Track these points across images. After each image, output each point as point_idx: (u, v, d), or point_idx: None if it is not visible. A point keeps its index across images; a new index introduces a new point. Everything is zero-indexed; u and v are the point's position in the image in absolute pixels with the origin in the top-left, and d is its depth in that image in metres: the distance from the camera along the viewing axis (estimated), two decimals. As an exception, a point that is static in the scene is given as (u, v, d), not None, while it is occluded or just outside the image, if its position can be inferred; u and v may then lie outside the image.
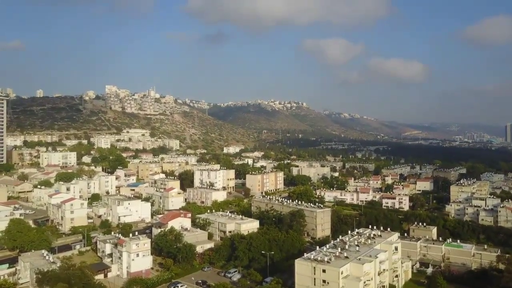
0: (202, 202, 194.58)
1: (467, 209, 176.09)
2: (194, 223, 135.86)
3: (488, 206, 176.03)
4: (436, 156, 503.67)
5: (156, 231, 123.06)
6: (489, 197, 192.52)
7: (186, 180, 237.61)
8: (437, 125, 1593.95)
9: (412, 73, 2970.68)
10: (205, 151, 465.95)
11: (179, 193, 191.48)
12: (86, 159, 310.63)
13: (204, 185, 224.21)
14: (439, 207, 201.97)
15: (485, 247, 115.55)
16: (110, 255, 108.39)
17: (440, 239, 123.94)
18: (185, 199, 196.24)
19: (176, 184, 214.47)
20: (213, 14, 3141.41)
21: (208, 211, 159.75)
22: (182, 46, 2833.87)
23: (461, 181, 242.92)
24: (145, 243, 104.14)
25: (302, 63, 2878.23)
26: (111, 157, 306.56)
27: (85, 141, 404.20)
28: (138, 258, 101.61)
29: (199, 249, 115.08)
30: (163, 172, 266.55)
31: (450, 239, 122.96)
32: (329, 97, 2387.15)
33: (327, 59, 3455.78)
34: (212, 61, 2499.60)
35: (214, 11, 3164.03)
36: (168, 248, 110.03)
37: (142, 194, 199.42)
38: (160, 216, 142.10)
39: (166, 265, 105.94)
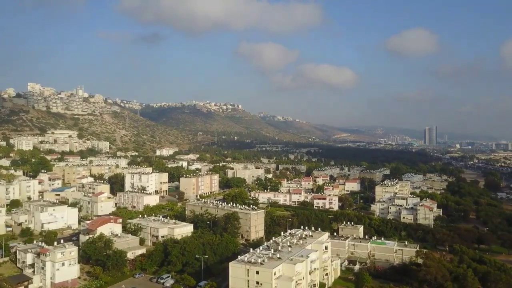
0: (134, 207, 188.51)
1: (390, 208, 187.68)
2: (125, 229, 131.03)
3: (408, 205, 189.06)
4: (363, 158, 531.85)
5: (83, 238, 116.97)
6: (410, 197, 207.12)
7: (116, 184, 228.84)
8: (364, 128, 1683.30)
9: (342, 79, 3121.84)
10: (137, 153, 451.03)
11: (108, 198, 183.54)
12: (5, 162, 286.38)
13: (135, 189, 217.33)
14: (366, 206, 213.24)
15: (406, 243, 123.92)
16: (32, 265, 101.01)
17: (366, 237, 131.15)
18: (116, 204, 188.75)
19: (105, 188, 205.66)
20: (148, 14, 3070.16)
21: (140, 216, 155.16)
22: (115, 45, 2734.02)
23: (385, 182, 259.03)
24: (71, 251, 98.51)
25: (239, 66, 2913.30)
26: (33, 160, 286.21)
27: (3, 143, 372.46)
28: (64, 267, 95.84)
29: (130, 255, 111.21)
30: (91, 175, 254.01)
31: (375, 237, 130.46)
32: (264, 100, 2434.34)
33: (263, 64, 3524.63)
34: (146, 61, 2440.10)
35: (149, 12, 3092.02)
36: (97, 256, 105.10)
37: (68, 199, 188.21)
38: (88, 222, 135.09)
39: (94, 273, 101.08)
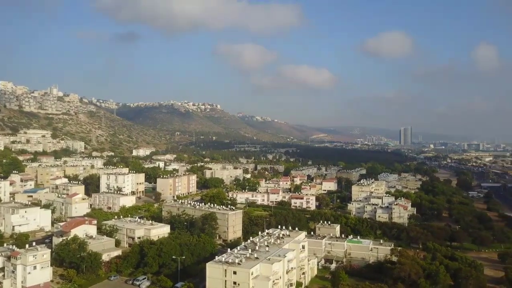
0: (109, 208, 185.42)
1: (366, 207, 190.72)
2: (100, 230, 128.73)
3: (384, 204, 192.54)
4: (340, 158, 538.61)
5: (57, 240, 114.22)
6: (385, 196, 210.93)
7: (91, 185, 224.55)
8: (342, 128, 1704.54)
9: (321, 80, 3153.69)
10: (113, 153, 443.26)
11: (83, 199, 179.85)
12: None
13: (111, 190, 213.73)
14: (342, 205, 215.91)
15: (381, 241, 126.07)
16: (2, 269, 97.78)
17: (343, 236, 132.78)
18: (91, 205, 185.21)
19: (80, 189, 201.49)
20: (125, 13, 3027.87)
21: (116, 217, 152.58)
22: (91, 44, 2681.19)
23: (361, 181, 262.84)
24: (44, 254, 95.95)
25: (217, 66, 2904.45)
26: (4, 161, 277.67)
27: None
28: (36, 270, 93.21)
29: (105, 257, 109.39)
30: (66, 176, 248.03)
31: (352, 235, 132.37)
32: (243, 101, 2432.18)
33: (242, 64, 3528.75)
34: (123, 60, 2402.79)
35: (126, 10, 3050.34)
36: (71, 258, 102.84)
37: (41, 201, 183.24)
38: (62, 224, 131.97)
39: (68, 276, 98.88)
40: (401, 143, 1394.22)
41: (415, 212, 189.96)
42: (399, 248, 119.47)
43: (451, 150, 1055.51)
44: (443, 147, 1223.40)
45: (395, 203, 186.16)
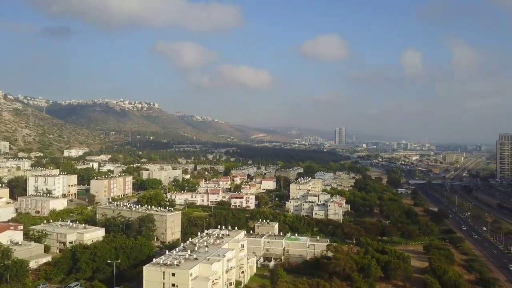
0: (38, 212, 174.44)
1: (303, 205, 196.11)
2: (27, 236, 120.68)
3: (320, 202, 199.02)
4: (279, 157, 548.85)
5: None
6: (321, 194, 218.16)
7: (17, 188, 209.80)
8: (280, 129, 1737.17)
9: (260, 81, 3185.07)
10: (42, 154, 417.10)
11: (8, 203, 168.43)
12: None
13: (40, 192, 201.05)
14: (281, 204, 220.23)
15: (318, 238, 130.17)
16: None
17: (281, 233, 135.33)
18: (16, 209, 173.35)
19: (4, 192, 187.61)
20: (55, 6, 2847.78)
21: (45, 221, 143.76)
22: (17, 38, 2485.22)
23: (299, 180, 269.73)
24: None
25: (155, 64, 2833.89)
26: None
27: None
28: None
29: (33, 264, 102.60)
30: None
31: (290, 233, 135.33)
32: (182, 100, 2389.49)
33: (181, 63, 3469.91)
34: (54, 56, 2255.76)
35: (56, 3, 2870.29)
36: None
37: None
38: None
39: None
40: (336, 143, 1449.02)
41: (349, 209, 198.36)
42: (335, 244, 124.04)
43: (382, 150, 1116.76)
44: (375, 146, 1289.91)
45: (331, 200, 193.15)
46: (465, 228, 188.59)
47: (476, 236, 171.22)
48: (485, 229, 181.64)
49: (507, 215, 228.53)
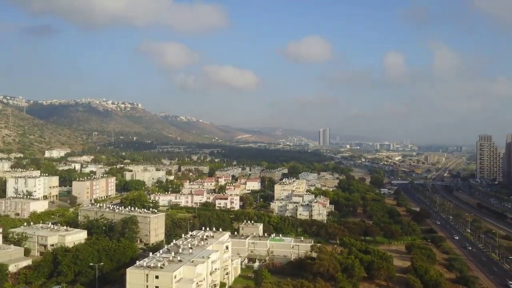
0: (18, 214, 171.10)
1: (288, 205, 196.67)
2: (6, 239, 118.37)
3: (304, 202, 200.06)
4: (264, 158, 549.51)
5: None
6: (306, 194, 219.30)
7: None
8: (265, 129, 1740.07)
9: (245, 81, 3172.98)
10: (22, 155, 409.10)
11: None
12: None
13: (20, 194, 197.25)
14: (265, 205, 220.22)
15: (302, 239, 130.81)
16: None
17: (266, 234, 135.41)
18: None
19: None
20: (36, 3, 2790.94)
21: (25, 224, 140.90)
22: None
23: (283, 180, 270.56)
24: None
25: (139, 64, 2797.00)
26: None
27: None
28: None
29: (12, 268, 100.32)
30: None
31: (274, 234, 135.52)
32: (166, 100, 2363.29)
33: (165, 63, 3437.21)
34: (35, 55, 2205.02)
35: (37, 1, 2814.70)
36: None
37: None
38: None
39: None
40: (320, 144, 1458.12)
41: (333, 209, 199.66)
42: (319, 244, 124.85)
43: (365, 150, 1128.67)
44: (358, 147, 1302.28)
45: (315, 201, 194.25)
46: (441, 224, 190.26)
47: (457, 237, 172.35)
48: (469, 231, 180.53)
49: (486, 214, 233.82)
